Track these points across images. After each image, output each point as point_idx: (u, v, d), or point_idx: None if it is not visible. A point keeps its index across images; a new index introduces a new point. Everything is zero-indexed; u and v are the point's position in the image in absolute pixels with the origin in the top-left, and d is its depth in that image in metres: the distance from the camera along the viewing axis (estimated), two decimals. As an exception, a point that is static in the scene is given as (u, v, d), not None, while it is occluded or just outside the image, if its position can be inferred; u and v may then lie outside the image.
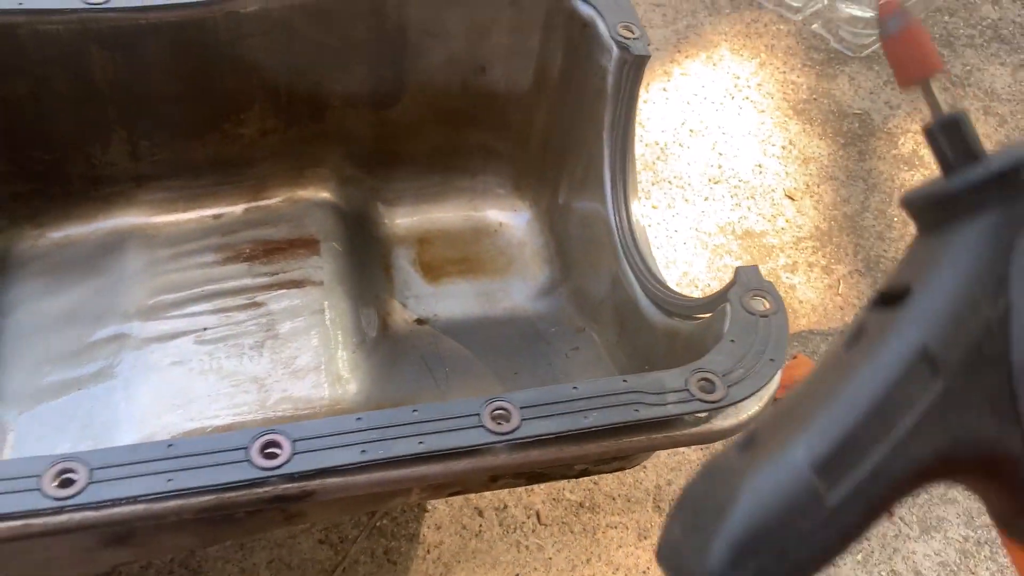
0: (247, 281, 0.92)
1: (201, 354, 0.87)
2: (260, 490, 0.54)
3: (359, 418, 0.57)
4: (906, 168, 1.30)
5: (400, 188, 1.02)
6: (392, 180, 1.02)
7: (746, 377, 0.61)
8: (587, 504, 0.98)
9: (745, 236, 1.21)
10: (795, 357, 1.07)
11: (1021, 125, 1.37)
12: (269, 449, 0.55)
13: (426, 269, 1.00)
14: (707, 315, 0.71)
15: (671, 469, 1.00)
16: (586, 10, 0.87)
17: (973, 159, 0.31)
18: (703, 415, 0.61)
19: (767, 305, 0.66)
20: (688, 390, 0.60)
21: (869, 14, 1.44)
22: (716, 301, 0.69)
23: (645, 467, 0.99)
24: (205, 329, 0.88)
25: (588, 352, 0.91)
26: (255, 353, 0.88)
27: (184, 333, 0.88)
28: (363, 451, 0.56)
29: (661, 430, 0.60)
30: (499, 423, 0.58)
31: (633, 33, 0.84)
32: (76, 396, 0.84)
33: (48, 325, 0.87)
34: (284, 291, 0.92)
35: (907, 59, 0.35)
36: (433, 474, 0.57)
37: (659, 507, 0.98)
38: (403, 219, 1.03)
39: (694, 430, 0.61)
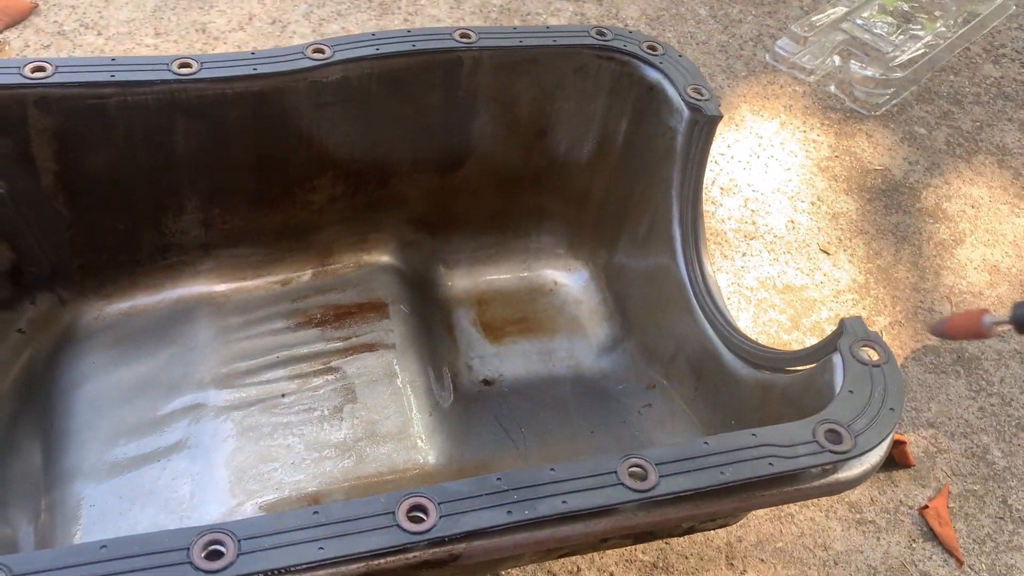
0: (320, 346, 0.91)
1: (280, 421, 0.86)
2: (409, 555, 0.54)
3: (499, 478, 0.57)
4: (931, 220, 1.34)
5: (458, 250, 1.03)
6: (451, 242, 1.03)
7: (870, 427, 0.62)
8: (660, 564, 0.97)
9: (786, 290, 1.23)
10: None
11: (1034, 178, 1.43)
12: (415, 513, 0.55)
13: (487, 329, 1.00)
14: (805, 367, 0.72)
15: (740, 525, 1.00)
16: (653, 74, 0.89)
17: None
18: (829, 467, 0.62)
19: (876, 355, 0.67)
20: (817, 441, 0.61)
21: (881, 74, 1.50)
22: (820, 352, 0.70)
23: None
24: (283, 396, 0.87)
25: (662, 408, 0.92)
26: (335, 419, 0.87)
27: (261, 400, 0.87)
28: (509, 512, 0.55)
29: (793, 483, 0.60)
30: (637, 480, 0.58)
31: (703, 95, 0.87)
32: (154, 468, 0.82)
33: (121, 396, 0.85)
34: (358, 355, 0.91)
35: (966, 326, 0.48)
36: (574, 534, 0.57)
37: (732, 564, 0.98)
38: (461, 280, 1.03)
39: (821, 482, 0.62)
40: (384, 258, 0.99)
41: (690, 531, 0.74)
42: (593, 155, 0.98)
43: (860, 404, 0.63)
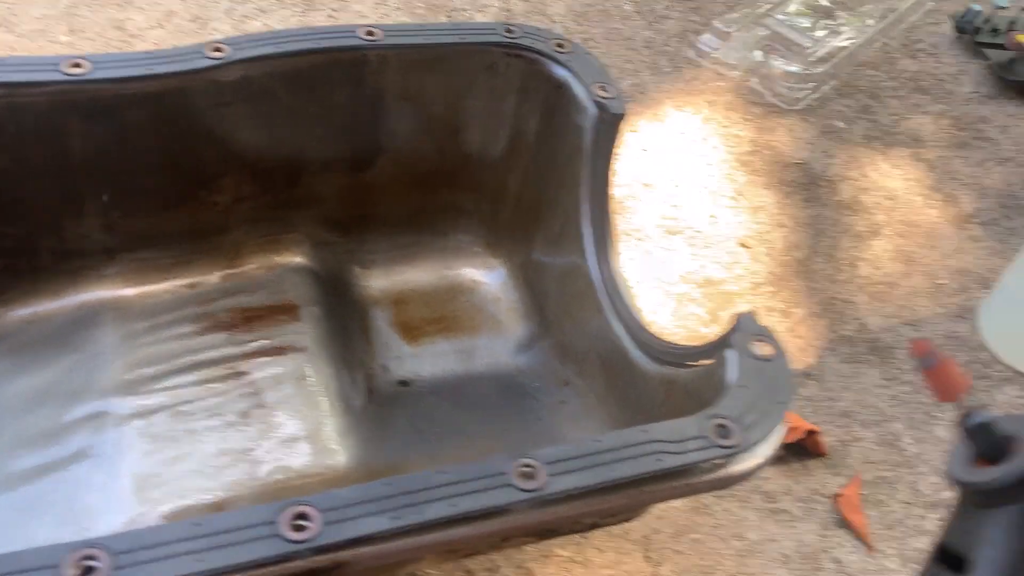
0: (228, 350, 0.90)
1: (185, 428, 0.85)
2: (293, 564, 0.53)
3: (387, 483, 0.56)
4: (848, 212, 1.37)
5: (374, 250, 1.03)
6: (366, 242, 1.02)
7: (759, 421, 0.63)
8: (578, 559, 0.98)
9: (706, 284, 1.24)
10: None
11: (948, 169, 1.46)
12: (299, 521, 0.54)
13: (404, 329, 1.00)
14: (706, 362, 0.73)
15: (658, 518, 1.01)
16: (561, 72, 0.90)
17: (1000, 453, 0.40)
18: (720, 461, 0.62)
19: (769, 349, 0.69)
20: (706, 436, 0.62)
21: (801, 69, 1.52)
22: (717, 347, 0.71)
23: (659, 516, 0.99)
24: (188, 402, 0.86)
25: (576, 404, 0.92)
26: (241, 424, 0.86)
27: (166, 407, 0.85)
28: (395, 517, 0.55)
29: (682, 478, 0.61)
30: (527, 480, 0.58)
31: (608, 92, 0.87)
32: (53, 479, 0.80)
33: (20, 406, 0.83)
34: (267, 359, 0.90)
35: (944, 385, 0.46)
36: (465, 536, 0.57)
37: (648, 557, 0.99)
38: (378, 280, 1.02)
39: (711, 476, 0.62)
40: (296, 259, 0.98)
41: (594, 526, 0.74)
42: (506, 153, 0.98)
43: (750, 398, 0.64)
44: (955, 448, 0.43)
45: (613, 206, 0.90)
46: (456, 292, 1.04)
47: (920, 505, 1.05)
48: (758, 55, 1.56)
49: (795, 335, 1.20)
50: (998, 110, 1.59)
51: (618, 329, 0.86)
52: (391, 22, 1.54)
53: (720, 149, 1.44)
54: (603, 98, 0.86)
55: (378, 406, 0.91)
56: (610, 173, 0.89)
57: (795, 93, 1.51)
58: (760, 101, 1.53)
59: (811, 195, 1.39)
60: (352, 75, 0.88)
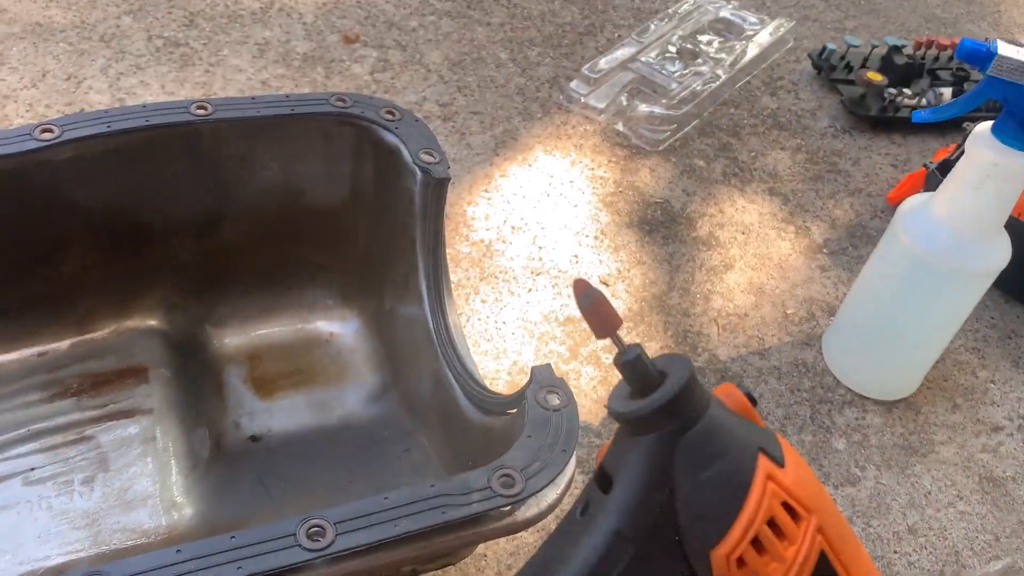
0: (75, 416, 0.93)
1: (30, 495, 0.87)
2: (81, 635, 0.56)
3: (179, 550, 0.60)
4: (704, 248, 1.44)
5: (228, 309, 1.06)
6: (219, 303, 1.05)
7: (543, 469, 0.68)
8: (433, 598, 1.02)
9: (567, 323, 1.30)
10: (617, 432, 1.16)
11: (801, 202, 1.55)
12: (88, 593, 0.57)
13: (258, 385, 1.04)
14: (512, 411, 0.79)
15: (510, 554, 1.06)
16: (391, 139, 0.95)
17: (650, 388, 0.45)
18: (507, 508, 0.67)
19: (559, 400, 0.74)
20: (491, 487, 0.67)
21: (664, 111, 1.60)
22: (518, 398, 0.77)
23: (485, 556, 1.04)
24: (32, 469, 0.88)
25: (418, 454, 0.97)
26: (86, 488, 0.88)
27: (10, 476, 0.87)
28: (182, 584, 0.59)
29: (469, 527, 0.66)
30: (315, 540, 0.62)
31: (434, 158, 0.93)
32: None
33: None
34: (114, 422, 0.93)
35: (599, 321, 0.49)
36: (255, 597, 0.61)
37: (500, 592, 1.03)
38: (233, 338, 1.06)
39: (499, 524, 0.67)
40: (148, 322, 1.01)
41: (413, 573, 0.79)
42: (350, 213, 1.03)
43: (535, 448, 0.70)
44: (618, 384, 0.49)
45: (446, 262, 0.95)
46: (312, 345, 1.08)
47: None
48: (623, 99, 1.64)
49: (650, 369, 1.27)
50: (851, 143, 1.70)
51: (450, 379, 0.91)
52: (268, 75, 1.59)
53: (586, 191, 1.51)
54: (428, 163, 0.91)
55: (227, 464, 0.95)
56: (441, 233, 0.94)
57: (658, 135, 1.59)
58: (625, 143, 1.60)
59: (670, 232, 1.46)
60: (188, 147, 0.92)
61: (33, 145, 0.83)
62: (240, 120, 0.91)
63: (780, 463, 0.45)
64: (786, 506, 0.44)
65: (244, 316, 1.06)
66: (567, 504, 0.76)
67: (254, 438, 0.98)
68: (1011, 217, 1.42)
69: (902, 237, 1.11)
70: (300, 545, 0.61)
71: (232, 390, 1.02)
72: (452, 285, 1.31)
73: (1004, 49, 0.98)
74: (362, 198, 1.00)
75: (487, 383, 1.16)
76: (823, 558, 0.43)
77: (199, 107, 0.90)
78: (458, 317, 0.95)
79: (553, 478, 0.68)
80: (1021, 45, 1.90)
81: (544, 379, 0.75)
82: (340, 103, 0.95)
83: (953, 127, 1.71)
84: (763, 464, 0.44)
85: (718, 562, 0.41)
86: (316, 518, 0.63)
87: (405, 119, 0.96)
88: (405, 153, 0.93)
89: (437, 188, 0.91)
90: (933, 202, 1.10)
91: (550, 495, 0.69)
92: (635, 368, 0.47)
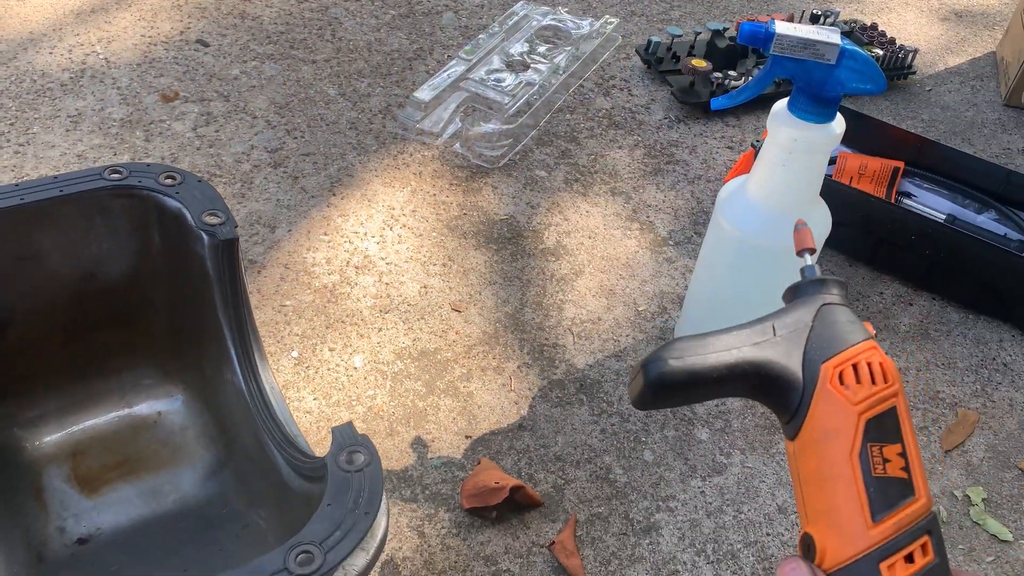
0: None
1: None
2: None
3: None
4: (553, 259, 1.43)
5: (41, 408, 0.99)
6: (28, 403, 0.98)
7: (344, 537, 0.65)
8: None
9: (421, 357, 1.27)
10: (479, 462, 1.14)
11: (643, 198, 1.56)
12: None
13: (83, 482, 0.97)
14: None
15: (379, 610, 1.02)
16: (173, 204, 0.90)
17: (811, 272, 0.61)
18: (308, 586, 0.64)
19: (363, 458, 0.71)
20: (287, 568, 0.63)
21: (498, 127, 1.59)
22: (323, 465, 0.73)
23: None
24: None
25: (255, 529, 0.92)
26: None
27: None
28: None
29: (274, 612, 0.62)
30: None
31: (219, 218, 0.88)
32: None
33: None
34: (-89, 555, 0.85)
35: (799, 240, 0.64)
36: None
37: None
38: (50, 436, 0.99)
39: (304, 602, 0.64)
40: (-52, 437, 0.94)
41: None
42: (146, 287, 0.98)
43: (337, 517, 0.66)
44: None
45: (253, 323, 0.91)
46: (139, 429, 1.02)
47: (634, 533, 1.10)
48: (457, 120, 1.62)
49: (509, 390, 1.24)
50: (686, 132, 1.72)
51: (271, 446, 0.86)
52: (84, 147, 1.52)
53: (430, 219, 1.48)
54: (213, 225, 0.87)
55: (52, 574, 0.88)
56: (241, 293, 0.90)
57: (496, 151, 1.58)
58: (465, 164, 1.58)
59: (518, 248, 1.45)
60: (-49, 247, 0.85)
61: None
62: (6, 211, 0.85)
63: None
64: (880, 366, 0.55)
65: (61, 411, 1.00)
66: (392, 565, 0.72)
67: (81, 540, 0.92)
68: (840, 184, 1.46)
69: (723, 223, 1.12)
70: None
71: (53, 493, 0.95)
72: (290, 339, 1.27)
73: (781, 28, 0.99)
74: (155, 269, 0.95)
75: (322, 442, 1.12)
76: (895, 413, 0.53)
77: (-48, 204, 0.84)
78: (274, 378, 0.91)
79: (356, 544, 0.64)
80: (831, 13, 1.96)
81: (346, 440, 0.72)
82: (116, 175, 0.90)
83: (783, 101, 1.75)
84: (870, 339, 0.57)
85: (826, 371, 0.53)
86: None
87: (187, 182, 0.91)
88: (189, 218, 0.89)
89: (227, 249, 0.87)
90: (747, 185, 1.11)
91: (359, 561, 0.65)
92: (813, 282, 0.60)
